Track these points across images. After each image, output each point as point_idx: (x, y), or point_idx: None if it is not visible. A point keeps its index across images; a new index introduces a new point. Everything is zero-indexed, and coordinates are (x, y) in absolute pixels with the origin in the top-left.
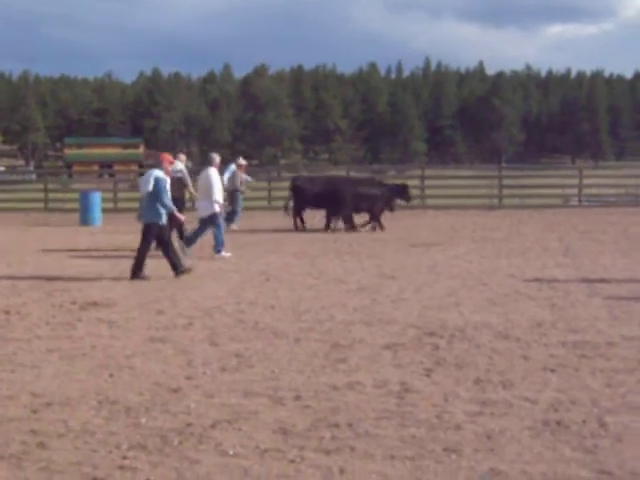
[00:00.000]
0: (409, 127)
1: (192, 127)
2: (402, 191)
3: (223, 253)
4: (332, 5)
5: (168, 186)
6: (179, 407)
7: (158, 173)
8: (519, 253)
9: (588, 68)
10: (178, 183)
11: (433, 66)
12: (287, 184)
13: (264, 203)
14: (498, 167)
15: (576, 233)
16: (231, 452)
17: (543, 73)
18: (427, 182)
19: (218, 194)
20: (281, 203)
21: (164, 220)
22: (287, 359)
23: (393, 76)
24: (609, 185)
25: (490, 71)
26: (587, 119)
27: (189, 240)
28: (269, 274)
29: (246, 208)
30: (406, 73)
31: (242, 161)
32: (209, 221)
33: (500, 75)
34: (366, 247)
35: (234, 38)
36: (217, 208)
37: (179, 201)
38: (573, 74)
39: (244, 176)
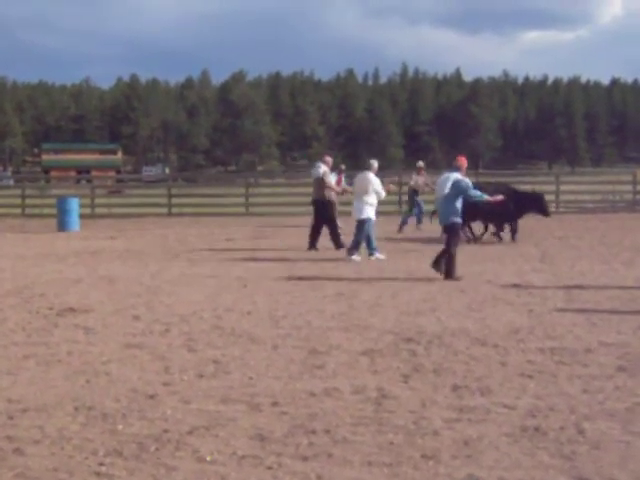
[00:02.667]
0: (386, 133)
1: (170, 133)
2: (538, 202)
3: (354, 257)
4: (309, 11)
5: (469, 184)
6: (156, 413)
7: (456, 175)
8: (496, 258)
9: (565, 74)
10: (318, 184)
11: (410, 72)
12: (265, 190)
13: (242, 209)
14: (475, 173)
15: (553, 239)
16: (208, 458)
17: (520, 79)
18: (405, 188)
19: (373, 198)
20: (257, 209)
21: (459, 220)
22: (264, 365)
23: (370, 82)
24: (586, 191)
25: (467, 77)
26: (564, 125)
27: (354, 245)
28: (246, 280)
29: (225, 213)
30: (383, 79)
31: (420, 164)
32: (362, 223)
33: (477, 81)
34: (343, 253)
35: (212, 44)
36: (369, 214)
37: (319, 203)
38: (550, 80)
39: (421, 179)
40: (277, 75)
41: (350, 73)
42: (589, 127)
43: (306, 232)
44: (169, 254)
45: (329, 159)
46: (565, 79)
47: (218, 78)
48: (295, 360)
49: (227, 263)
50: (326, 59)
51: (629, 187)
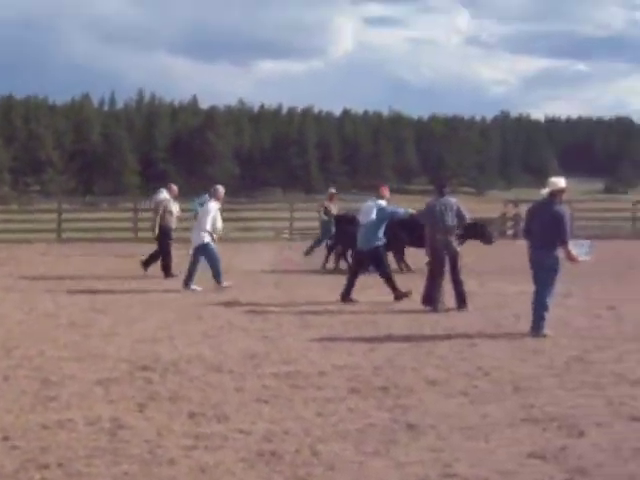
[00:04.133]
0: (122, 159)
1: None
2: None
3: (225, 283)
4: (43, 34)
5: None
6: None
7: (381, 202)
8: (235, 286)
9: (299, 104)
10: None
11: (147, 98)
12: None
13: None
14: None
15: (290, 265)
16: None
17: (256, 108)
18: (142, 215)
19: (209, 225)
20: None
21: (381, 243)
22: None
23: (106, 107)
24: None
25: (204, 105)
26: (298, 154)
27: (189, 274)
28: None
29: None
30: (120, 105)
31: (332, 190)
32: (200, 251)
33: (213, 109)
34: (78, 281)
35: None
36: (207, 239)
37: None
38: (284, 110)
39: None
40: (10, 98)
41: (86, 97)
42: (321, 156)
43: (42, 260)
44: None
45: (174, 187)
46: (299, 109)
47: None
48: (27, 391)
49: None
50: (61, 83)
51: None
